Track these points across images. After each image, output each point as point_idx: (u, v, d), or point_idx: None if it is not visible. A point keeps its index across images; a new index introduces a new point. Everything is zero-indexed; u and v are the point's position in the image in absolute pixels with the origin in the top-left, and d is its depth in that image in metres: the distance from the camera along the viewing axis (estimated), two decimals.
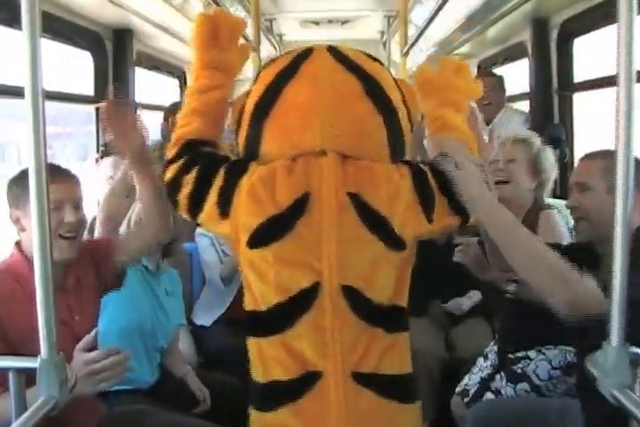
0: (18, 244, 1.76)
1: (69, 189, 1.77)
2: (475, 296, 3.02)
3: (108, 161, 2.91)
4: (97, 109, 3.55)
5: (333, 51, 1.47)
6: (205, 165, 1.48)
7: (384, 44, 6.15)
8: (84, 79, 3.56)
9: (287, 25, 5.82)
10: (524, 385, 2.18)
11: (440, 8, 2.81)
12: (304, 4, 5.17)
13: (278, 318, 1.38)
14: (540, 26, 3.66)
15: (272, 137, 1.44)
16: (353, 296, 1.36)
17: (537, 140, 2.52)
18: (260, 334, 1.41)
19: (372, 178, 1.40)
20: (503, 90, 3.88)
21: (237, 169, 1.44)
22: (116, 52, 3.67)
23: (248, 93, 1.50)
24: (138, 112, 1.65)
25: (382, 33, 6.25)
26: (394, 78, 1.54)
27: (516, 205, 2.34)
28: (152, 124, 4.41)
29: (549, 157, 2.52)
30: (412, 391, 1.46)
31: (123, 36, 3.71)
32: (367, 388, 1.37)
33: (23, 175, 1.68)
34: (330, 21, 5.87)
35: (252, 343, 1.42)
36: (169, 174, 1.52)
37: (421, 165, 1.52)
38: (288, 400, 1.36)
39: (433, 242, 3.03)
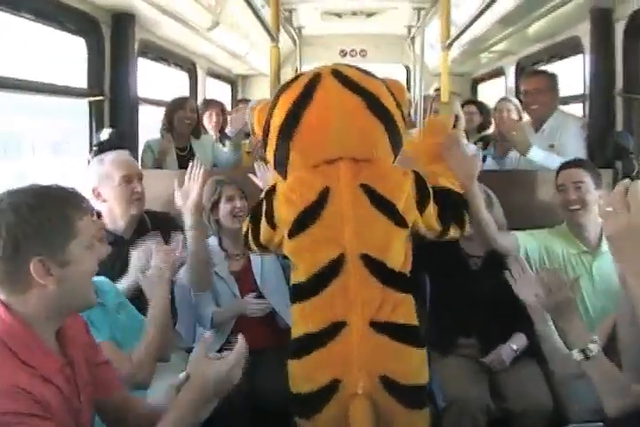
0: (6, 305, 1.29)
1: None
2: (519, 342, 2.53)
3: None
4: (90, 104, 3.09)
5: (337, 74, 1.85)
6: (254, 209, 2.04)
7: (412, 40, 5.67)
8: (75, 70, 3.11)
9: (307, 16, 5.33)
10: None
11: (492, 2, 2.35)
12: None
13: (315, 284, 1.81)
14: (601, 18, 3.17)
15: (299, 153, 1.86)
16: (370, 262, 1.79)
17: None
18: (302, 299, 1.83)
19: (379, 173, 1.84)
20: (556, 91, 3.36)
21: (270, 193, 1.95)
22: (114, 39, 3.21)
23: (270, 113, 1.90)
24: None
25: (410, 27, 5.76)
26: (385, 82, 1.93)
27: None
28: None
29: None
30: (418, 338, 1.85)
31: (123, 20, 3.25)
32: (382, 333, 1.77)
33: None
34: (354, 13, 5.38)
35: (295, 309, 1.87)
36: (244, 228, 2.10)
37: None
38: (319, 346, 1.78)
39: (466, 267, 2.64)
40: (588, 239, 2.55)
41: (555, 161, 3.02)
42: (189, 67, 4.93)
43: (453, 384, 2.47)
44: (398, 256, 1.83)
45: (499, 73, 5.49)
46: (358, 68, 1.95)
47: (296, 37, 5.56)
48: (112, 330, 1.85)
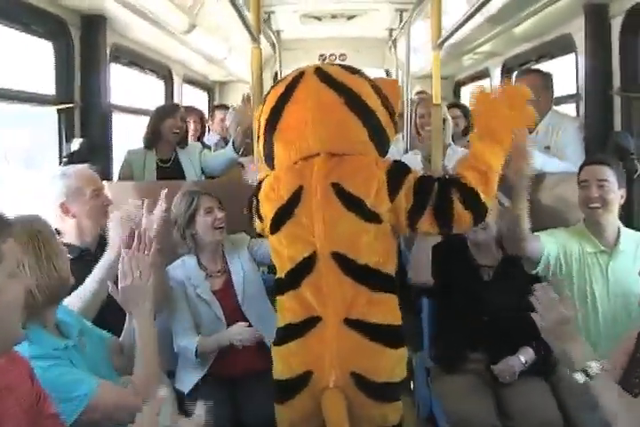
0: None
1: None
2: (527, 355, 2.39)
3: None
4: (59, 112, 2.90)
5: (319, 72, 1.92)
6: (250, 199, 2.09)
7: (394, 42, 5.54)
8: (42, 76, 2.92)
9: (286, 19, 5.18)
10: None
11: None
12: None
13: (291, 280, 1.88)
14: (596, 14, 3.05)
15: (280, 147, 1.94)
16: (341, 259, 1.83)
17: None
18: (282, 293, 1.91)
19: (351, 169, 1.86)
20: (551, 90, 3.24)
21: (258, 187, 2.03)
22: (84, 43, 3.03)
23: (261, 109, 2.00)
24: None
25: (391, 30, 5.63)
26: (374, 81, 1.98)
27: None
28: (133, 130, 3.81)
29: None
30: (395, 339, 1.87)
31: (94, 23, 3.08)
32: (355, 330, 1.81)
33: None
34: (334, 16, 5.24)
35: (278, 300, 1.95)
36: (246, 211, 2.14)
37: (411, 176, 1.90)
38: (296, 337, 1.85)
39: (477, 278, 2.51)
40: (607, 239, 2.45)
41: (555, 165, 2.90)
42: (165, 73, 4.75)
43: (456, 403, 2.33)
44: (371, 252, 1.85)
45: (483, 75, 5.37)
46: (345, 67, 2.01)
47: (275, 41, 5.41)
48: (89, 368, 1.63)
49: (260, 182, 2.03)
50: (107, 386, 1.55)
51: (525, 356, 2.37)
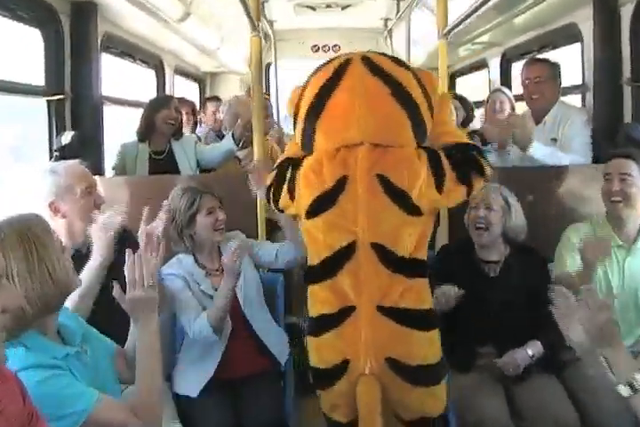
0: None
1: None
2: (534, 348, 2.32)
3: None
4: (49, 104, 2.77)
5: (366, 61, 1.92)
6: (279, 168, 2.08)
7: (389, 32, 5.43)
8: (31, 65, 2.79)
9: (280, 9, 5.07)
10: None
11: None
12: None
13: (327, 268, 1.89)
14: (605, 3, 2.98)
15: (323, 135, 1.94)
16: (380, 250, 1.85)
17: None
18: (315, 282, 1.92)
19: (395, 162, 1.88)
20: (558, 80, 3.15)
21: (297, 165, 1.99)
22: (75, 31, 2.90)
23: (302, 92, 1.99)
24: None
25: (386, 20, 5.52)
26: (415, 72, 1.98)
27: None
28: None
29: None
30: (426, 321, 1.91)
31: (84, 10, 2.94)
32: (388, 317, 1.84)
33: None
34: (328, 6, 5.13)
35: (310, 290, 1.95)
36: (267, 181, 2.13)
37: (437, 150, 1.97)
38: (332, 327, 1.88)
39: (482, 274, 2.45)
40: (626, 234, 2.42)
41: (560, 158, 2.82)
42: (156, 63, 4.61)
43: (468, 403, 2.25)
44: (409, 244, 1.88)
45: (480, 66, 5.27)
46: (390, 57, 2.02)
47: (270, 32, 5.29)
48: (90, 377, 1.52)
49: (299, 161, 1.99)
50: (106, 402, 1.43)
51: (533, 349, 2.31)
